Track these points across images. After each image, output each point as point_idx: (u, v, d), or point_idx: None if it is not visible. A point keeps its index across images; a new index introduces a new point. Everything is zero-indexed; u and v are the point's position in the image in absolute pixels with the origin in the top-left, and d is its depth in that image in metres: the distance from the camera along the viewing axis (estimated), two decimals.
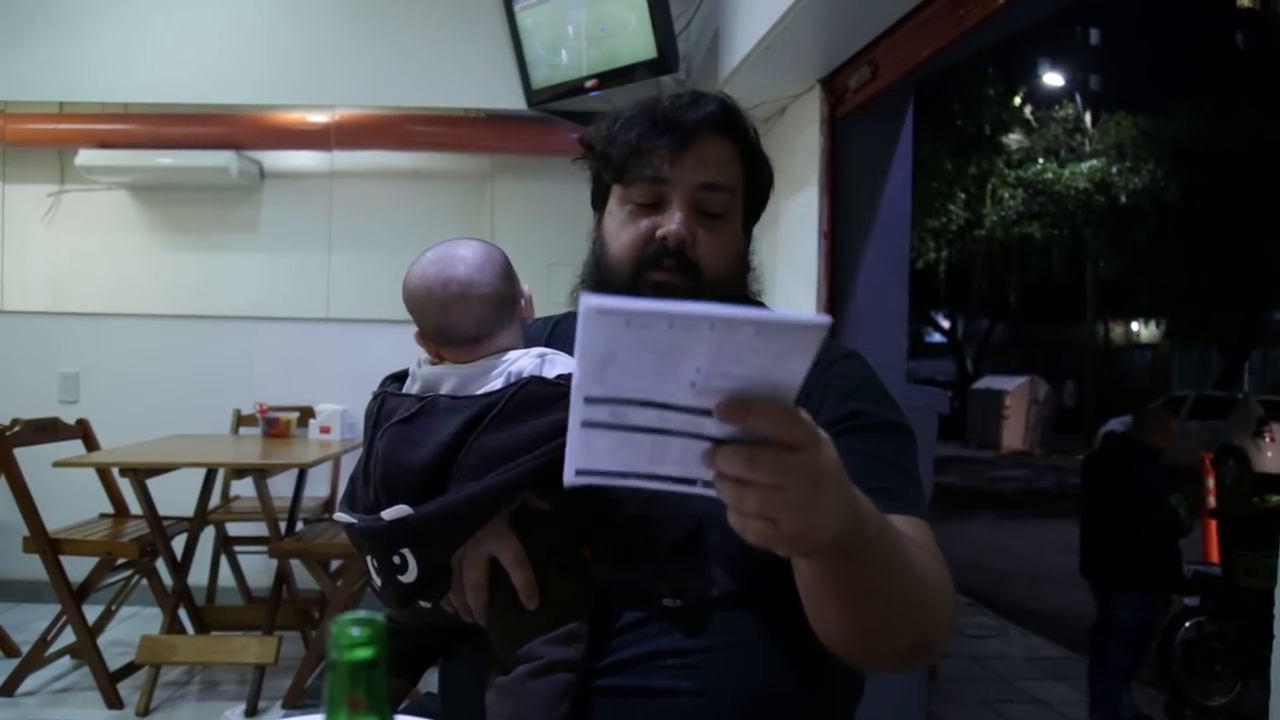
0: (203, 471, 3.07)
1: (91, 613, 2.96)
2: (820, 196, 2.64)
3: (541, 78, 3.36)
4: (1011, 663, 3.95)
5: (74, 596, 2.84)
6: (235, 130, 3.81)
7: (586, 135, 1.04)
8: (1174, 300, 16.41)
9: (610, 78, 3.15)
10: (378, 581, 0.90)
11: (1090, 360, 18.50)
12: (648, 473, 0.62)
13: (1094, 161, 15.11)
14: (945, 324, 21.36)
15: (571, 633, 0.85)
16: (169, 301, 3.92)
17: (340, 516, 0.92)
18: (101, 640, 2.96)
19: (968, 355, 21.20)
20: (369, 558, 0.90)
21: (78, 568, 2.91)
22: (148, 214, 3.95)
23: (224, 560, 3.52)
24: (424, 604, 0.89)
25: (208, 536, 3.34)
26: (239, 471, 3.41)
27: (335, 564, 3.16)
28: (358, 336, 3.82)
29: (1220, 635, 3.31)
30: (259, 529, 3.31)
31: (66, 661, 3.06)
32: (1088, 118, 16.25)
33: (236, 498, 3.66)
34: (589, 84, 3.21)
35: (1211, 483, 4.82)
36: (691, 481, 0.62)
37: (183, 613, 3.06)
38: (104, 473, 3.25)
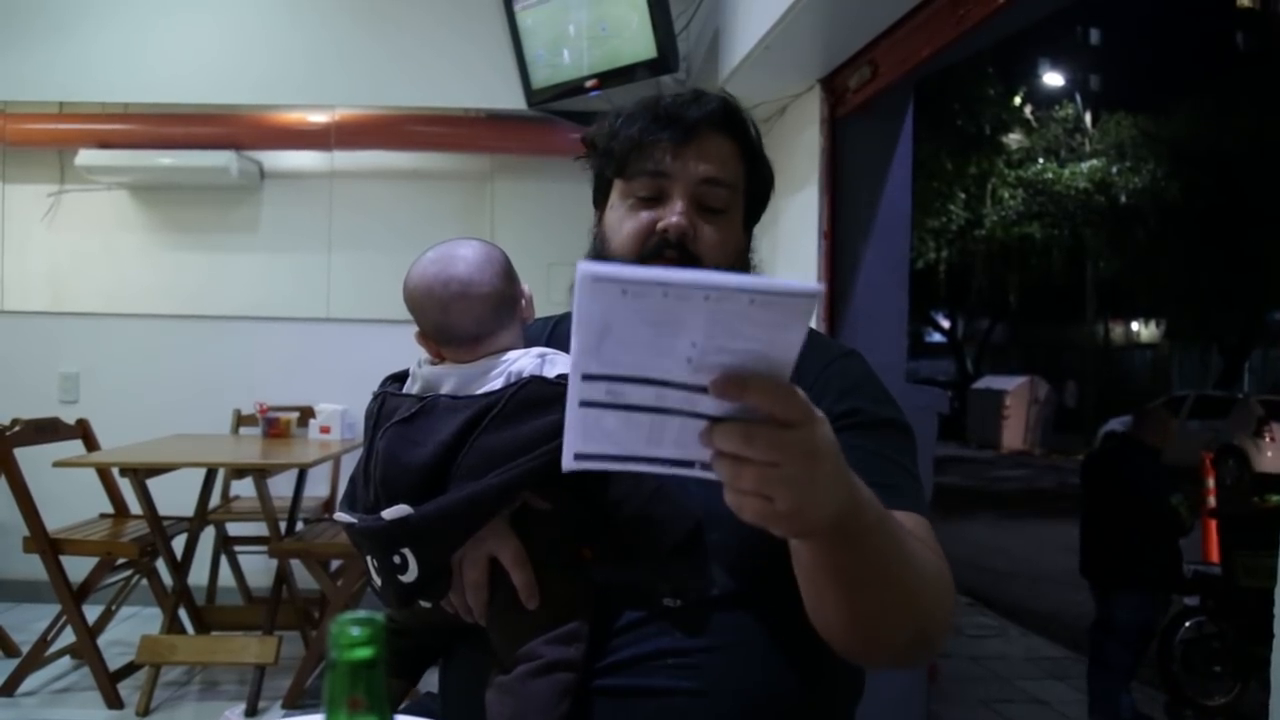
0: (203, 471, 3.07)
1: (91, 613, 2.96)
2: (820, 196, 2.64)
3: (542, 78, 3.36)
4: (1011, 663, 3.95)
5: (74, 596, 2.84)
6: (235, 130, 3.81)
7: (589, 133, 1.05)
8: (1174, 300, 16.41)
9: (610, 77, 3.15)
10: (378, 581, 0.90)
11: (1090, 360, 18.50)
12: (646, 455, 0.61)
13: (1094, 161, 15.11)
14: (945, 324, 21.36)
15: (571, 632, 0.85)
16: (169, 301, 3.92)
17: (340, 516, 0.92)
18: (101, 640, 2.96)
19: (968, 355, 21.21)
20: (369, 558, 0.90)
21: (78, 568, 2.91)
22: (148, 214, 3.95)
23: (224, 560, 3.52)
24: (424, 604, 0.89)
25: (208, 536, 3.33)
26: (239, 471, 3.41)
27: (335, 564, 3.16)
28: (358, 336, 3.82)
29: (1220, 635, 3.31)
30: (259, 529, 3.32)
31: (66, 661, 3.06)
32: (1088, 118, 16.25)
33: (236, 498, 3.66)
34: (589, 84, 3.22)
35: (1211, 483, 4.83)
36: (690, 464, 0.62)
37: (183, 613, 3.06)
38: (104, 473, 3.25)
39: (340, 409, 3.52)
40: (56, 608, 2.91)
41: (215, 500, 3.31)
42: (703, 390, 0.58)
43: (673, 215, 0.96)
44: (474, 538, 0.86)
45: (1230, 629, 3.29)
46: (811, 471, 0.61)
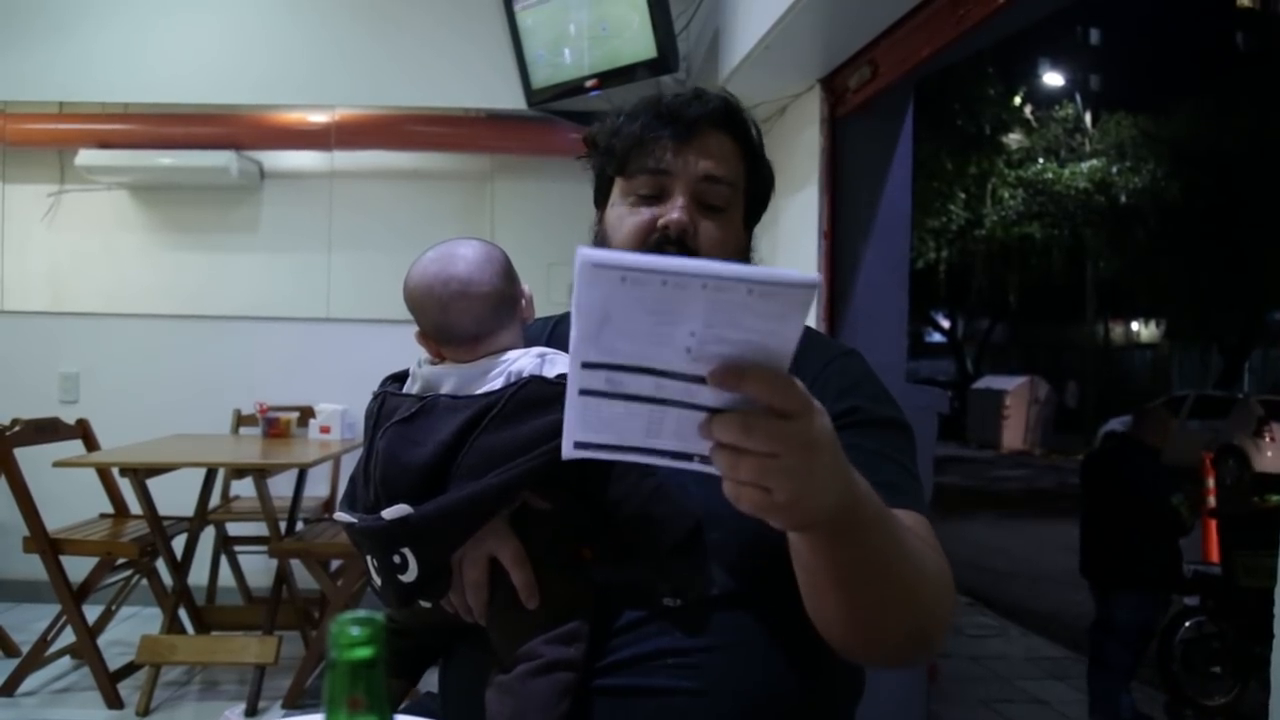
0: (203, 471, 3.07)
1: (91, 613, 2.96)
2: (820, 196, 2.64)
3: (542, 77, 3.37)
4: (1011, 663, 3.95)
5: (74, 596, 2.84)
6: (235, 130, 3.81)
7: (590, 132, 1.05)
8: (1174, 300, 16.42)
9: (611, 77, 3.15)
10: (378, 581, 0.90)
11: (1090, 360, 18.50)
12: (645, 446, 0.61)
13: (1094, 161, 15.12)
14: (945, 324, 21.36)
15: (571, 632, 0.85)
16: (169, 301, 3.92)
17: (340, 516, 0.92)
18: (101, 640, 2.96)
19: (968, 355, 21.21)
20: (369, 557, 0.90)
21: (78, 568, 2.91)
22: (148, 214, 3.95)
23: (224, 560, 3.52)
24: (424, 604, 0.89)
25: (208, 536, 3.33)
26: (239, 471, 3.41)
27: (335, 564, 3.16)
28: (358, 336, 3.82)
29: (1220, 635, 3.31)
30: (259, 529, 3.32)
31: (66, 661, 3.06)
32: (1088, 118, 16.25)
33: (236, 498, 3.66)
34: (589, 84, 3.22)
35: (1211, 483, 4.83)
36: (689, 457, 0.62)
37: (183, 613, 3.06)
38: (104, 473, 3.25)
39: (340, 409, 3.52)
40: (56, 608, 2.90)
41: (215, 500, 3.31)
42: (701, 381, 0.58)
43: (673, 212, 0.96)
44: (474, 537, 0.86)
45: (1230, 629, 3.29)
46: (810, 462, 0.61)
